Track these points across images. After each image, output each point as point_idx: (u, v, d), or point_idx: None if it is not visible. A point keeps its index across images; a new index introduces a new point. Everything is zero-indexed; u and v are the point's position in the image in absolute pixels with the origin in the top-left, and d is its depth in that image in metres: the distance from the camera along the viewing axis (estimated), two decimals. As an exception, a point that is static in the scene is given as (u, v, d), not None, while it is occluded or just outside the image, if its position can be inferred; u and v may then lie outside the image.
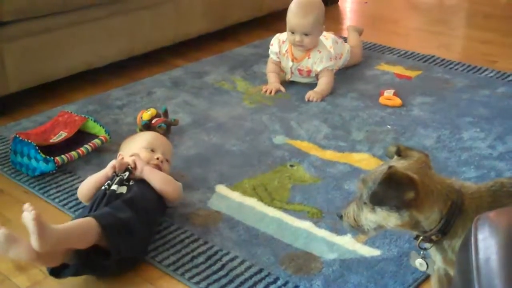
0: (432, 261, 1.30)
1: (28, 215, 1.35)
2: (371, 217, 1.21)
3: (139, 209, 1.62)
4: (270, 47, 2.70)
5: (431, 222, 1.20)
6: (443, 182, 1.21)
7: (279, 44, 2.67)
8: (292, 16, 2.57)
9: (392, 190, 1.16)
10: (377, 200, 1.18)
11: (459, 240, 1.19)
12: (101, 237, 1.47)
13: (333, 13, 3.74)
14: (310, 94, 2.55)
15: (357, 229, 1.26)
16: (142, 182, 1.75)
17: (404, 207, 1.17)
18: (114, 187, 1.68)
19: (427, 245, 1.25)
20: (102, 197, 1.64)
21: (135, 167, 1.75)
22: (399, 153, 1.26)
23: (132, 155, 1.80)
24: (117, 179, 1.71)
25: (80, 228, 1.46)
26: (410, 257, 1.37)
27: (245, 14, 3.35)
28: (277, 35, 2.71)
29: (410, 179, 1.16)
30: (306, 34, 2.54)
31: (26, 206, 1.38)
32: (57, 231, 1.39)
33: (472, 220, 1.15)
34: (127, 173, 1.73)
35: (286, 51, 2.65)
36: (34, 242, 1.35)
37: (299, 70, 2.66)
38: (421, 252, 1.29)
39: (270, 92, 2.60)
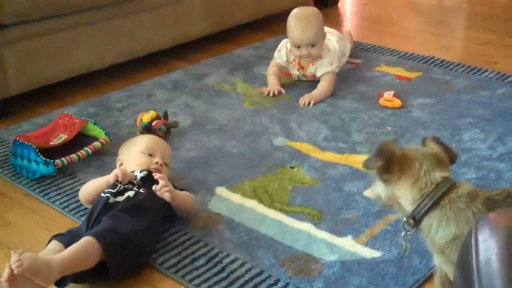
0: (411, 246, 1.35)
1: (15, 271, 1.35)
2: (373, 188, 1.33)
3: (144, 217, 1.63)
4: (278, 52, 2.70)
5: (406, 204, 1.27)
6: (430, 173, 1.25)
7: (286, 52, 2.67)
8: (295, 31, 2.56)
9: (373, 156, 1.28)
10: (364, 164, 1.32)
11: (437, 235, 1.23)
12: (103, 255, 1.48)
13: (333, 15, 3.74)
14: (304, 98, 2.54)
15: (371, 197, 1.38)
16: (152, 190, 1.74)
17: (383, 178, 1.27)
18: (118, 198, 1.67)
19: (408, 228, 1.30)
20: (103, 206, 1.63)
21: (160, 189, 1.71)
22: (424, 143, 1.34)
23: (161, 177, 1.73)
24: (118, 188, 1.69)
25: (82, 252, 1.46)
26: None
27: (245, 16, 3.34)
28: (284, 42, 2.70)
29: (384, 151, 1.26)
30: (312, 45, 2.55)
31: (8, 268, 1.36)
32: (57, 264, 1.40)
33: (451, 218, 1.21)
34: (130, 186, 1.72)
35: (293, 59, 2.66)
36: (40, 284, 1.39)
37: (304, 75, 2.69)
38: (404, 233, 1.32)
39: (273, 94, 2.60)
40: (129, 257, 1.54)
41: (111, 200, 1.66)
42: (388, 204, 1.33)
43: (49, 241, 1.55)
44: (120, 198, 1.67)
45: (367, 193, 1.41)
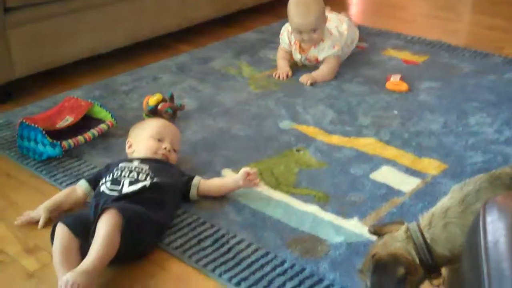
0: None
1: None
2: None
3: (161, 211, 1.64)
4: (280, 37, 2.71)
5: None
6: (402, 239, 1.23)
7: (288, 35, 2.67)
8: (295, 17, 2.54)
9: (384, 275, 1.20)
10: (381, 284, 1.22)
11: (455, 253, 1.21)
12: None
13: (339, -1, 3.72)
14: (304, 78, 2.55)
15: None
16: (167, 176, 1.74)
17: (403, 281, 1.20)
18: (131, 188, 1.66)
19: (437, 281, 1.27)
20: (116, 197, 1.63)
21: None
22: (377, 233, 1.30)
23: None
24: (128, 180, 1.68)
25: (108, 245, 1.45)
26: None
27: (251, -1, 3.33)
28: (286, 25, 2.70)
29: (394, 257, 1.20)
30: (314, 30, 2.54)
31: None
32: (95, 270, 1.42)
33: (447, 236, 1.20)
34: (143, 176, 1.70)
35: (294, 43, 2.65)
36: None
37: (308, 59, 2.67)
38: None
39: (283, 78, 2.60)
40: (139, 239, 1.54)
41: (125, 190, 1.65)
42: None
43: (55, 225, 1.53)
44: (133, 188, 1.66)
45: None
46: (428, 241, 1.21)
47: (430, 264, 1.22)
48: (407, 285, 1.21)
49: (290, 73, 2.62)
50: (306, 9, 2.53)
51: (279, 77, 2.61)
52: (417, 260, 1.21)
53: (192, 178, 1.79)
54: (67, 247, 1.48)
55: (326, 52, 2.59)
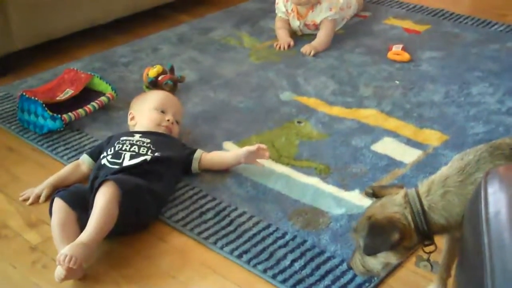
0: (436, 263, 1.32)
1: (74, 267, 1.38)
2: (375, 261, 1.25)
3: (159, 183, 1.63)
4: (276, 6, 2.69)
5: (414, 239, 1.23)
6: (400, 203, 1.22)
7: (283, 3, 2.65)
8: None
9: (378, 238, 1.20)
10: (370, 251, 1.23)
11: (453, 222, 1.20)
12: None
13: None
14: (305, 48, 2.53)
15: (368, 273, 1.29)
16: (168, 149, 1.74)
17: (396, 245, 1.20)
18: (132, 161, 1.66)
19: (429, 248, 1.27)
20: (116, 170, 1.63)
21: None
22: (375, 195, 1.29)
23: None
24: (129, 153, 1.68)
25: (106, 216, 1.46)
26: (416, 259, 1.38)
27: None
28: None
29: (391, 222, 1.19)
30: None
31: (63, 267, 1.38)
32: (94, 243, 1.43)
33: (446, 205, 1.18)
34: (144, 150, 1.70)
35: (291, 10, 2.63)
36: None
37: (306, 25, 2.65)
38: (427, 256, 1.30)
39: (284, 48, 2.58)
40: (138, 210, 1.55)
41: (125, 163, 1.65)
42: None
43: (52, 199, 1.55)
44: (134, 162, 1.66)
45: (357, 270, 1.29)
46: (426, 208, 1.21)
47: (425, 231, 1.22)
48: (399, 249, 1.21)
49: (292, 43, 2.60)
50: None
51: (280, 47, 2.59)
52: (413, 226, 1.21)
53: (194, 151, 1.79)
54: (65, 220, 1.50)
55: (324, 14, 2.59)
